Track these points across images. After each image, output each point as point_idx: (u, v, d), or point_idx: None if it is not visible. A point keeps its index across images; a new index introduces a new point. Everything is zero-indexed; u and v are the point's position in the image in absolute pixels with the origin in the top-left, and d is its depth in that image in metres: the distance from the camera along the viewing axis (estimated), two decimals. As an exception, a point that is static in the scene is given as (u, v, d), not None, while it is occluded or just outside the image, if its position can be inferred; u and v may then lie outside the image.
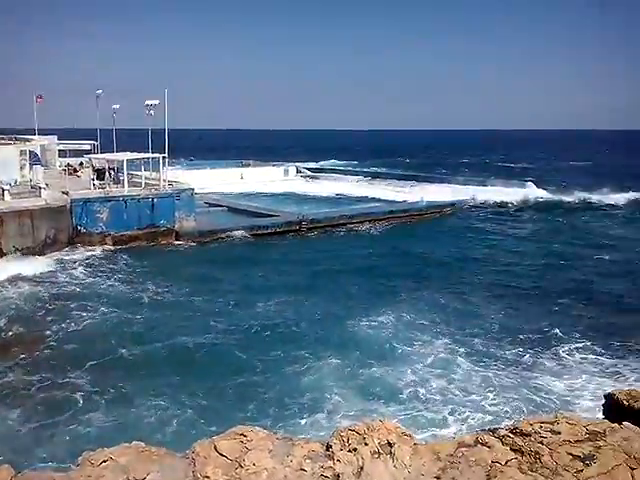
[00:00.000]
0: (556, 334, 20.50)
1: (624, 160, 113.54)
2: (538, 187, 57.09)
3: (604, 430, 7.63)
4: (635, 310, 23.59)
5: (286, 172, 72.66)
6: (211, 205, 46.02)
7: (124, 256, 31.12)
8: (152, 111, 36.85)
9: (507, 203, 50.65)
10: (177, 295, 24.57)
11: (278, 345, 18.98)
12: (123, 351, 18.42)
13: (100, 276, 27.15)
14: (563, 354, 18.86)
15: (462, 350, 18.83)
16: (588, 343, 19.60)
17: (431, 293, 25.41)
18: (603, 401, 11.63)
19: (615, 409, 10.08)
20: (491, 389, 16.22)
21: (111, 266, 29.05)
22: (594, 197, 53.20)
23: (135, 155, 38.97)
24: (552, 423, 7.74)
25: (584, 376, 17.24)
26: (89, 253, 31.33)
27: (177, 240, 35.28)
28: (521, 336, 20.26)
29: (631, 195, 53.27)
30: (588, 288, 26.77)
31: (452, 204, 49.07)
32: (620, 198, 52.59)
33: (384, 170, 78.70)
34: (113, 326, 20.72)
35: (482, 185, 58.69)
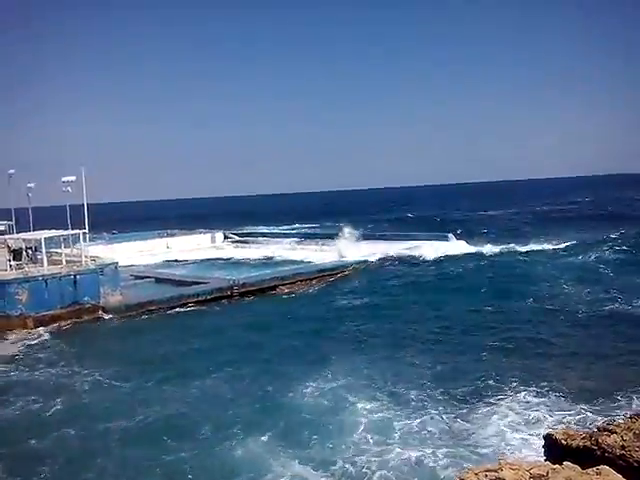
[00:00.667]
0: (486, 380, 20.90)
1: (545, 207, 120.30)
2: (458, 239, 58.85)
3: (547, 472, 7.82)
4: (557, 349, 24.51)
5: (213, 239, 72.28)
6: (137, 277, 44.90)
7: (47, 339, 29.71)
8: (69, 188, 36.00)
9: (426, 256, 51.36)
10: (103, 378, 23.23)
11: (207, 424, 18.14)
12: (33, 441, 17.34)
13: (21, 365, 25.54)
14: (494, 400, 19.12)
15: (399, 408, 18.70)
16: (517, 387, 20.02)
17: (367, 350, 25.50)
18: (540, 442, 11.86)
19: (555, 449, 10.37)
20: (430, 444, 16.14)
21: (34, 353, 27.42)
22: (515, 246, 55.01)
23: (53, 233, 37.74)
24: (496, 470, 7.87)
25: (517, 419, 17.54)
26: (8, 340, 29.68)
27: (105, 314, 34.05)
28: (454, 386, 20.42)
29: (551, 245, 54.60)
30: (512, 329, 27.80)
31: (368, 260, 50.16)
32: (542, 247, 54.10)
33: (313, 231, 79.47)
34: (27, 417, 19.50)
35: (406, 240, 59.66)
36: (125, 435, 17.74)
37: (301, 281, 42.64)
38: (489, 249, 54.05)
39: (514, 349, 24.72)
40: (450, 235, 59.75)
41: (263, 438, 16.91)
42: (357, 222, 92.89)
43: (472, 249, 54.48)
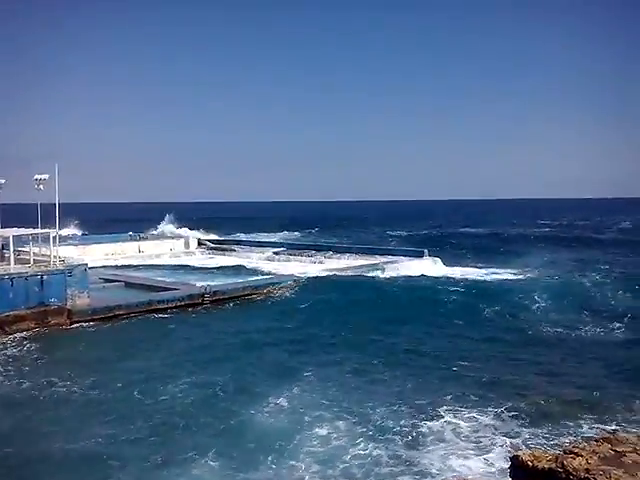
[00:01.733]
0: (448, 399, 20.87)
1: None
2: (431, 256, 58.00)
3: (509, 496, 7.69)
4: (520, 371, 24.48)
5: (187, 244, 71.40)
6: (106, 281, 44.06)
7: (10, 343, 28.89)
8: (41, 185, 35.26)
9: (385, 272, 50.26)
10: (65, 390, 22.53)
11: (160, 444, 17.65)
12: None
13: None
14: (452, 419, 19.10)
15: (351, 429, 18.50)
16: (473, 408, 19.98)
17: (337, 365, 25.29)
18: (506, 464, 11.72)
19: (520, 470, 10.29)
20: (375, 472, 15.96)
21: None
22: (489, 265, 54.87)
23: (23, 231, 36.94)
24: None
25: (482, 439, 17.59)
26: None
27: (69, 319, 33.23)
28: (416, 404, 20.39)
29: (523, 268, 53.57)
30: (479, 348, 28.06)
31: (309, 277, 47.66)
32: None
33: (290, 242, 77.96)
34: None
35: (379, 255, 58.85)
36: (72, 453, 17.10)
37: (275, 290, 42.01)
38: (462, 269, 53.44)
39: (480, 367, 24.66)
40: (425, 251, 58.61)
41: (214, 462, 16.45)
42: (342, 235, 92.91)
43: (445, 269, 53.51)
